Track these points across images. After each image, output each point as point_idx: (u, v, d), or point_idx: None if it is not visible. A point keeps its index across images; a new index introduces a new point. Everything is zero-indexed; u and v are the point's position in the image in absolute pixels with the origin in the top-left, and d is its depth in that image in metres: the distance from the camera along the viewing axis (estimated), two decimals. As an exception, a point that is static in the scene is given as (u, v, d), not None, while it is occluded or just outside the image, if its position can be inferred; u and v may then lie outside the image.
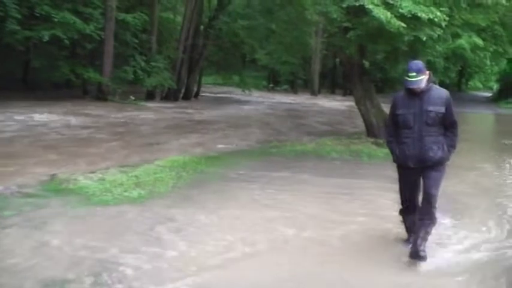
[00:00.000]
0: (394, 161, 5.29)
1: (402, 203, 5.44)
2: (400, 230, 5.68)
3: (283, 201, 7.27)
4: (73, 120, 15.70)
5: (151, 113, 19.47)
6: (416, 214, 5.20)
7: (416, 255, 4.97)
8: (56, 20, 19.88)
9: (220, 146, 12.40)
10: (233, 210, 6.66)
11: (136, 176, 8.11)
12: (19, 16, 19.13)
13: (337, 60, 36.56)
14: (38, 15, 20.02)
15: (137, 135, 13.75)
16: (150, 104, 22.72)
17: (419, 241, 5.00)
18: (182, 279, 4.51)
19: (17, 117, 15.12)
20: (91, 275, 4.43)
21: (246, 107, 25.51)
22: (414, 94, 4.99)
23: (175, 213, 6.34)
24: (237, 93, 32.47)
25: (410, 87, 4.95)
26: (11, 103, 17.88)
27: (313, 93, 39.75)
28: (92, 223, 5.90)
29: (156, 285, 4.35)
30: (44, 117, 15.82)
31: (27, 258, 4.77)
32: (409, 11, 10.90)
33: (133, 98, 23.07)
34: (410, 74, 4.89)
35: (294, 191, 7.82)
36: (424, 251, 4.96)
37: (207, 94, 31.74)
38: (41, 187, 7.37)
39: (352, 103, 16.05)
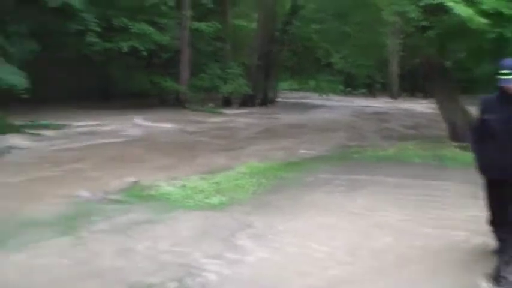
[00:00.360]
0: (477, 169, 4.74)
1: (490, 215, 4.79)
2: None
3: (365, 207, 7.02)
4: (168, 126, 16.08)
5: (230, 120, 19.66)
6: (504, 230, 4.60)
7: (495, 282, 4.37)
8: (133, 31, 20.48)
9: (300, 151, 12.27)
10: (313, 217, 6.50)
11: (217, 183, 8.15)
12: (98, 29, 19.87)
13: (417, 61, 35.64)
14: (116, 27, 20.73)
15: (218, 140, 13.89)
16: (227, 111, 22.90)
17: (501, 265, 4.45)
18: (261, 284, 4.47)
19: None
20: (175, 279, 4.45)
21: (323, 112, 25.22)
22: (507, 97, 4.42)
23: (255, 220, 6.27)
24: (313, 98, 32.21)
25: (503, 85, 4.41)
26: (94, 112, 18.53)
27: (393, 96, 38.70)
28: (174, 229, 5.95)
29: None
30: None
31: (114, 262, 4.87)
32: (493, 7, 10.40)
33: (211, 105, 23.40)
34: (502, 72, 4.38)
35: (375, 197, 7.53)
36: (505, 277, 4.35)
37: (284, 100, 31.62)
38: (124, 193, 7.54)
39: (434, 105, 15.48)
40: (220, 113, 21.89)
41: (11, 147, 11.22)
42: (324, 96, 31.35)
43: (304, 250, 5.29)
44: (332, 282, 4.56)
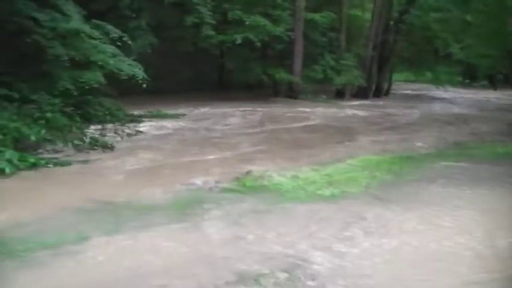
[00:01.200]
0: None
1: None
2: None
3: (482, 206, 6.59)
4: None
5: (344, 111, 19.36)
6: None
7: None
8: (247, 23, 20.72)
9: (416, 145, 11.82)
10: (427, 213, 6.23)
11: (328, 175, 8.02)
12: (213, 22, 20.34)
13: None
14: (230, 19, 21.09)
15: (331, 132, 13.73)
16: (341, 102, 22.55)
17: None
18: (373, 278, 4.37)
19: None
20: (284, 270, 4.44)
21: (441, 104, 24.21)
22: None
23: (367, 213, 6.14)
24: (430, 90, 31.00)
25: None
26: (209, 103, 19.00)
27: (516, 88, 36.26)
28: (285, 219, 5.91)
29: (348, 285, 4.24)
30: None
31: (224, 249, 4.92)
32: None
33: (324, 97, 23.20)
34: None
35: (495, 196, 7.07)
36: None
37: (399, 91, 30.69)
38: (237, 183, 7.61)
39: None
40: (334, 104, 21.59)
41: (132, 134, 11.72)
42: (442, 88, 29.98)
43: (413, 247, 5.11)
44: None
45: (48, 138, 9.52)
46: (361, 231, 5.50)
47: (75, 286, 4.22)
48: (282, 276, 4.33)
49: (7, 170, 7.64)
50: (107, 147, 9.96)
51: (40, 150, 9.13)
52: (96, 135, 10.66)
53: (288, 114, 17.33)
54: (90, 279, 4.30)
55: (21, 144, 8.69)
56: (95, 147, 9.87)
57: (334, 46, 25.61)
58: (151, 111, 15.49)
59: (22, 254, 4.70)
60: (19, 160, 8.01)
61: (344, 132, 13.92)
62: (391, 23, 27.72)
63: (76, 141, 9.93)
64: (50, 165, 8.36)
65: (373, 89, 27.02)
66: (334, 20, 24.72)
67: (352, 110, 19.92)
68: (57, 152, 9.30)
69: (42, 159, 8.57)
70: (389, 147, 11.42)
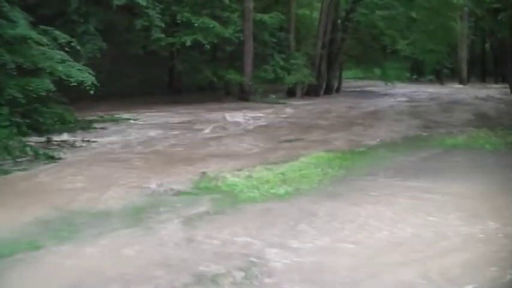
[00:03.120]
0: None
1: None
2: None
3: (431, 198, 6.84)
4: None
5: (293, 110, 19.53)
6: None
7: None
8: (196, 25, 20.73)
9: (365, 140, 12.07)
10: (378, 207, 6.41)
11: (282, 173, 8.12)
12: (162, 25, 20.27)
13: (487, 45, 34.31)
14: (179, 22, 21.07)
15: (280, 132, 13.82)
16: (293, 102, 22.77)
17: None
18: (326, 271, 4.48)
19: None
20: (241, 269, 4.48)
21: (390, 100, 24.70)
22: None
23: (320, 209, 6.27)
24: (379, 86, 31.59)
25: None
26: (161, 107, 18.91)
27: (462, 82, 37.30)
28: (239, 219, 5.98)
29: (304, 280, 4.32)
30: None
31: (180, 252, 4.94)
32: None
33: (274, 96, 23.39)
34: None
35: (446, 188, 7.33)
36: None
37: (349, 89, 31.20)
38: (191, 185, 7.64)
39: (507, 90, 14.84)
40: (284, 104, 21.80)
41: (82, 141, 11.56)
42: (390, 84, 30.67)
43: (365, 240, 5.29)
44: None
45: None
46: (314, 227, 5.61)
47: None
48: (239, 275, 4.37)
49: None
50: (51, 158, 9.67)
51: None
52: (40, 147, 10.36)
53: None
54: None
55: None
56: (38, 159, 9.52)
57: (283, 46, 25.82)
58: (102, 116, 15.31)
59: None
60: None
61: (294, 131, 14.07)
62: (339, 21, 28.23)
63: (17, 152, 9.55)
64: None
65: (324, 86, 27.44)
66: (283, 20, 24.96)
67: (302, 108, 20.17)
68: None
69: None
70: (342, 143, 11.65)
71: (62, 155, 10.01)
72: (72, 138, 11.69)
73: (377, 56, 31.79)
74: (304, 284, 4.27)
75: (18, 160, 9.28)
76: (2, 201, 6.88)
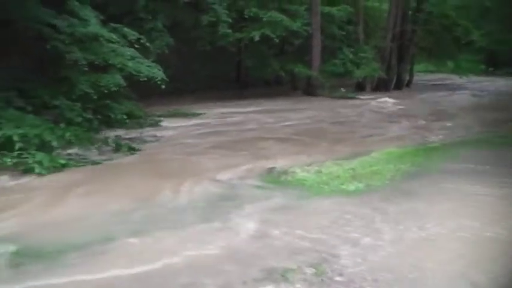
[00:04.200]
0: None
1: None
2: None
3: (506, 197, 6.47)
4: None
5: (362, 105, 19.11)
6: None
7: None
8: (264, 19, 20.63)
9: (440, 135, 11.64)
10: (454, 204, 6.17)
11: (352, 169, 7.94)
12: (229, 20, 20.30)
13: None
14: (246, 17, 21.05)
15: (352, 128, 13.54)
16: (362, 96, 22.32)
17: None
18: (398, 271, 4.33)
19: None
20: (311, 265, 4.43)
21: (465, 94, 23.88)
22: None
23: (392, 207, 6.09)
24: (452, 80, 30.56)
25: None
26: (228, 102, 18.96)
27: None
28: (310, 215, 5.88)
29: (376, 278, 4.22)
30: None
31: (251, 246, 4.91)
32: None
33: (343, 90, 22.99)
34: None
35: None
36: None
37: (420, 82, 30.26)
38: (261, 179, 7.59)
39: None
40: (353, 98, 21.39)
41: (155, 136, 11.68)
42: (464, 77, 29.52)
43: (444, 239, 5.08)
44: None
45: (73, 141, 9.56)
46: (387, 225, 5.44)
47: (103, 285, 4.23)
48: (310, 271, 4.31)
49: (38, 171, 7.81)
50: (132, 150, 9.97)
51: (69, 151, 9.20)
52: (119, 138, 10.63)
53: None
54: (118, 279, 4.31)
55: (47, 148, 8.75)
56: (119, 150, 9.86)
57: (352, 39, 25.39)
58: (170, 111, 15.47)
59: (52, 256, 4.73)
60: (50, 162, 8.13)
61: (364, 126, 13.75)
62: (409, 12, 27.38)
63: (99, 144, 9.98)
64: (80, 165, 8.52)
65: (394, 80, 26.73)
66: (351, 12, 24.51)
67: (372, 102, 19.71)
68: (80, 155, 9.30)
69: (72, 160, 8.69)
70: (414, 138, 11.28)
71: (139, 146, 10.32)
72: (142, 133, 11.80)
73: (450, 48, 30.61)
74: (376, 284, 4.14)
75: (101, 151, 9.68)
76: (85, 190, 7.11)
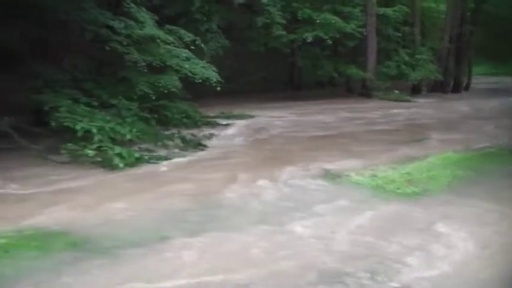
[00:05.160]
0: None
1: None
2: None
3: None
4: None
5: (418, 108, 18.75)
6: None
7: None
8: (317, 21, 20.55)
9: (498, 142, 11.21)
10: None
11: (408, 173, 7.80)
12: (283, 22, 20.31)
13: None
14: (300, 18, 21.02)
15: (407, 131, 13.33)
16: (416, 99, 21.87)
17: None
18: (457, 278, 4.24)
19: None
20: (368, 270, 4.37)
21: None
22: None
23: (451, 212, 5.97)
24: (512, 83, 29.53)
25: None
26: (282, 103, 18.93)
27: None
28: (367, 218, 5.81)
29: (434, 285, 4.14)
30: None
31: (306, 249, 4.87)
32: None
33: (397, 92, 22.59)
34: None
35: None
36: None
37: (479, 85, 29.38)
38: (316, 181, 7.54)
39: None
40: (408, 101, 21.01)
41: (213, 135, 11.83)
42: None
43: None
44: None
45: (141, 137, 9.81)
46: (448, 231, 5.32)
47: (159, 282, 4.27)
48: (365, 275, 4.27)
49: (120, 165, 8.14)
50: (200, 146, 10.14)
51: (135, 149, 9.39)
52: (185, 136, 10.79)
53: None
54: (173, 276, 4.35)
55: (120, 142, 9.06)
56: (186, 147, 10.06)
57: (408, 40, 24.99)
58: (224, 112, 15.58)
59: (110, 251, 4.83)
60: (127, 155, 8.43)
61: (420, 130, 13.48)
62: (468, 13, 26.69)
63: (166, 141, 10.21)
64: (152, 161, 8.76)
65: (451, 83, 26.11)
66: (407, 13, 24.11)
67: (428, 106, 19.33)
68: (150, 150, 9.53)
69: (145, 155, 8.94)
70: (473, 143, 10.94)
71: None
72: (199, 133, 11.91)
73: (510, 50, 29.65)
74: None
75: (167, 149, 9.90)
76: (154, 186, 7.31)
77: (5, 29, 9.80)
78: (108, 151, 8.36)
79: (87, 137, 8.67)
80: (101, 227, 5.52)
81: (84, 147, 8.40)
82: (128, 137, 9.24)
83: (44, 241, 5.08)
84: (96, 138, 8.60)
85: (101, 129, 8.84)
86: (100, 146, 8.49)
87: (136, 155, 8.69)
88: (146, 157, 8.85)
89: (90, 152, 8.28)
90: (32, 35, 10.68)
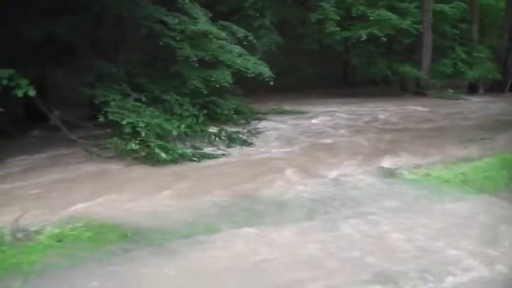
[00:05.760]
0: None
1: None
2: None
3: None
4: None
5: (475, 107, 18.18)
6: None
7: None
8: (371, 18, 20.23)
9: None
10: None
11: (463, 174, 7.57)
12: (337, 18, 20.09)
13: None
14: (354, 15, 20.74)
15: (463, 130, 12.92)
16: (473, 98, 21.25)
17: None
18: None
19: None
20: (422, 271, 4.25)
21: None
22: None
23: (508, 214, 5.79)
24: None
25: None
26: (334, 100, 18.77)
27: None
28: (421, 217, 5.67)
29: None
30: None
31: (367, 250, 4.76)
32: None
33: (451, 91, 21.97)
34: None
35: None
36: None
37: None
38: (367, 179, 7.42)
39: None
40: (466, 100, 20.40)
41: (262, 131, 11.83)
42: None
43: None
44: None
45: (188, 133, 9.91)
46: (503, 233, 5.13)
47: (205, 274, 4.30)
48: (418, 276, 4.15)
49: (164, 157, 8.26)
50: (245, 143, 10.17)
51: (180, 145, 9.48)
52: (231, 133, 10.84)
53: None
54: (219, 269, 4.37)
55: (166, 138, 9.19)
56: (233, 144, 10.10)
57: (465, 38, 24.28)
58: (275, 108, 15.55)
59: (159, 243, 4.90)
60: (171, 151, 8.54)
61: (476, 129, 13.05)
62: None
63: (213, 137, 10.29)
64: (195, 158, 8.78)
65: (510, 83, 25.25)
66: (465, 10, 23.44)
67: (486, 105, 18.72)
68: (195, 147, 9.59)
69: (188, 151, 9.01)
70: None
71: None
72: (249, 129, 11.93)
73: None
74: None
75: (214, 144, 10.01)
76: (196, 182, 7.37)
77: (61, 24, 10.04)
78: (151, 145, 8.44)
79: (133, 132, 8.80)
80: (149, 220, 5.60)
81: (129, 141, 8.53)
82: (175, 133, 9.30)
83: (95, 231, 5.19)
84: (143, 133, 8.71)
85: (147, 125, 8.96)
86: (144, 140, 8.59)
87: (180, 151, 8.74)
88: (190, 153, 8.89)
89: (134, 146, 8.40)
90: (87, 29, 10.93)
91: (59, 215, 5.70)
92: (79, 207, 6.01)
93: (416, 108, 17.31)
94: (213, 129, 10.70)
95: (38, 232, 5.12)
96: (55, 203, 6.23)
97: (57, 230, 5.16)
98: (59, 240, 4.95)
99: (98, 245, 4.86)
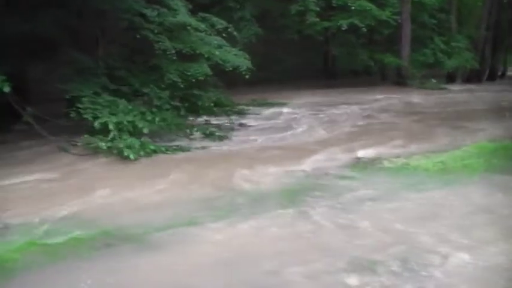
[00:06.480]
0: None
1: None
2: None
3: None
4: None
5: (453, 96, 18.38)
6: None
7: None
8: (352, 8, 20.29)
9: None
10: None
11: (442, 162, 7.64)
12: (318, 9, 20.11)
13: None
14: (335, 5, 20.77)
15: (442, 119, 13.09)
16: (453, 87, 21.44)
17: None
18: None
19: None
20: (398, 259, 4.27)
21: None
22: None
23: (489, 202, 5.80)
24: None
25: None
26: (316, 91, 18.81)
27: None
28: (397, 207, 5.70)
29: (465, 280, 3.99)
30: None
31: (335, 237, 4.82)
32: None
33: (434, 81, 22.18)
34: None
35: None
36: None
37: (515, 74, 28.73)
38: (346, 169, 7.47)
39: None
40: (444, 89, 20.62)
41: (241, 124, 11.94)
42: None
43: None
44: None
45: (163, 127, 9.85)
46: (481, 223, 5.17)
47: (188, 268, 4.30)
48: (395, 264, 4.18)
49: (131, 156, 8.08)
50: (220, 137, 10.15)
51: (156, 139, 9.42)
52: (208, 126, 10.80)
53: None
54: (202, 262, 4.38)
55: (139, 134, 9.07)
56: (208, 137, 10.09)
57: (444, 28, 24.51)
58: (256, 99, 15.57)
59: (140, 238, 4.90)
60: (140, 147, 8.44)
61: (454, 119, 13.21)
62: (505, 0, 26.02)
63: (188, 131, 10.28)
64: (169, 152, 8.74)
65: (487, 72, 25.57)
66: (444, 0, 23.62)
67: (463, 94, 18.92)
68: (171, 141, 9.58)
69: (162, 146, 8.96)
70: (503, 132, 10.70)
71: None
72: (228, 121, 11.95)
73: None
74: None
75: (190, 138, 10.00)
76: (171, 177, 7.30)
77: (40, 18, 9.91)
78: (120, 146, 8.30)
79: (105, 129, 8.70)
80: (126, 215, 5.60)
81: (100, 140, 8.42)
82: (145, 131, 9.16)
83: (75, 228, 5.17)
84: (112, 133, 8.61)
85: (118, 124, 8.86)
86: (115, 138, 8.51)
87: (152, 146, 8.68)
88: (163, 148, 8.84)
89: (103, 145, 8.30)
90: (66, 23, 10.79)
91: (40, 213, 5.62)
92: (56, 205, 5.93)
93: (398, 97, 17.46)
94: (192, 122, 10.68)
95: (18, 230, 5.09)
96: (33, 202, 6.13)
97: (40, 228, 5.14)
98: (40, 238, 4.92)
99: (79, 242, 4.82)
